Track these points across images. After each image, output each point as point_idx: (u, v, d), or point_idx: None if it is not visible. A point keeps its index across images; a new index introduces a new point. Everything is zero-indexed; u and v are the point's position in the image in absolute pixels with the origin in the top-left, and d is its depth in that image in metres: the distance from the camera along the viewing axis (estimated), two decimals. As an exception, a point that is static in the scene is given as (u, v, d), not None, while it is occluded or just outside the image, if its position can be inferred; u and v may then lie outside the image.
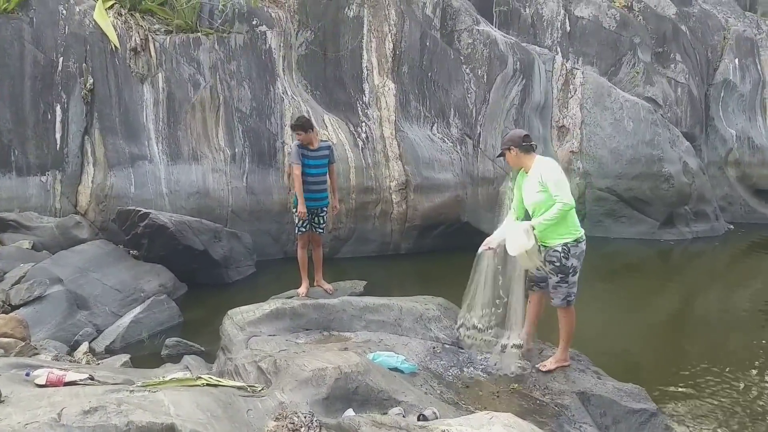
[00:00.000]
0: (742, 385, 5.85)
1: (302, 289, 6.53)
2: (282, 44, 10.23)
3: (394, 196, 10.16)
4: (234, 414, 3.59)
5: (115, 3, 9.73)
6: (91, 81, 9.28)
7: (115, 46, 9.36)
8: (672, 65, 12.87)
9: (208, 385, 4.06)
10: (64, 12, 9.35)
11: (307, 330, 4.98)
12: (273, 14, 10.27)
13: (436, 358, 4.78)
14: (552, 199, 4.41)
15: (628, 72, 12.60)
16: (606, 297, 8.56)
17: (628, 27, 12.68)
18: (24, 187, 9.12)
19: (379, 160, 10.19)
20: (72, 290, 6.97)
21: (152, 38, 9.62)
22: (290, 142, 9.69)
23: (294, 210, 6.57)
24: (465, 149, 10.85)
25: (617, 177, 11.67)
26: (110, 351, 6.24)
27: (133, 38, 9.51)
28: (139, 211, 8.16)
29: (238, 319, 5.06)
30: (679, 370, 6.16)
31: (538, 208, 4.53)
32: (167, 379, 4.23)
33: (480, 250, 4.66)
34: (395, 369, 4.38)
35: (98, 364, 5.62)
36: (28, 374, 4.14)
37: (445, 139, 10.72)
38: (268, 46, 10.12)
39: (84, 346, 6.09)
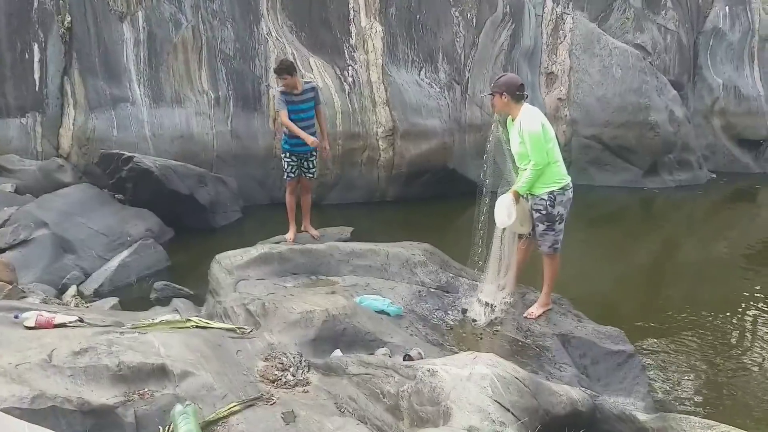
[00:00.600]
0: (718, 329, 6.06)
1: (290, 235, 6.54)
2: (267, -18, 9.93)
3: (380, 143, 10.10)
4: (223, 354, 3.66)
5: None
6: (69, 19, 8.99)
7: (93, -18, 9.03)
8: (662, 12, 12.71)
9: (197, 327, 4.11)
10: (38, -55, 8.97)
11: (294, 274, 5.03)
12: (257, -49, 9.91)
13: (421, 302, 4.88)
14: None
15: (618, 18, 12.44)
16: (589, 243, 8.70)
17: (620, -29, 12.46)
18: (4, 130, 8.97)
19: (366, 105, 10.08)
20: (58, 234, 6.94)
21: (131, -27, 9.30)
22: (275, 85, 9.53)
23: (283, 155, 6.51)
24: (453, 95, 10.75)
25: (603, 125, 11.68)
26: (99, 294, 6.27)
27: (111, -26, 9.18)
28: (123, 154, 8.06)
29: (226, 263, 5.09)
30: (658, 314, 6.35)
31: (520, 159, 4.57)
32: (157, 321, 4.28)
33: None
34: (382, 312, 4.47)
35: (87, 307, 5.65)
36: (17, 317, 4.15)
37: (433, 84, 10.60)
38: (253, -16, 9.83)
39: (72, 289, 6.12)
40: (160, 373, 3.26)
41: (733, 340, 5.90)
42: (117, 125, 9.10)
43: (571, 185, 4.63)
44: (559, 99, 11.76)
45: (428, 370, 3.13)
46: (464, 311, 4.81)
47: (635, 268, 8.06)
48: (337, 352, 3.84)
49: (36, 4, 8.93)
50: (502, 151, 4.82)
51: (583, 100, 11.73)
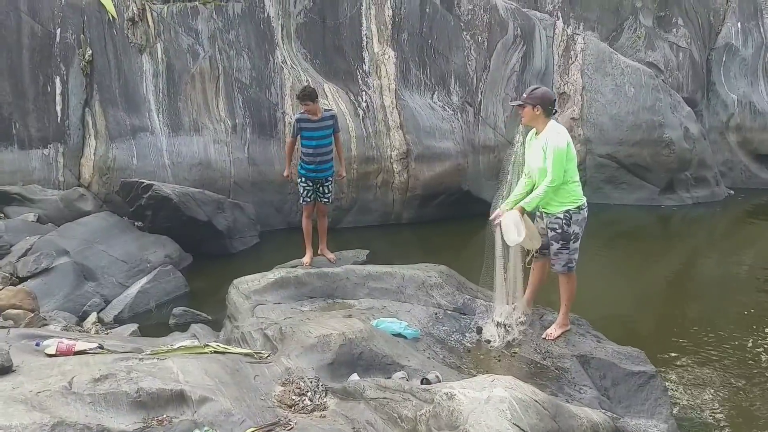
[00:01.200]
0: (740, 347, 5.95)
1: (306, 259, 6.58)
2: (280, 12, 10.12)
3: (395, 166, 10.17)
4: (242, 380, 3.68)
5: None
6: (90, 52, 9.23)
7: (112, 16, 9.29)
8: (674, 29, 12.72)
9: (215, 352, 4.14)
10: (60, -18, 9.26)
11: (311, 298, 5.06)
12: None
13: (438, 324, 4.87)
14: None
15: (629, 37, 12.47)
16: (606, 262, 8.63)
17: (630, -9, 12.52)
18: (27, 160, 9.15)
19: (380, 129, 10.18)
20: (78, 262, 7.05)
21: (149, 8, 9.54)
22: (291, 112, 9.68)
23: (299, 180, 6.60)
24: (466, 117, 10.82)
25: (618, 143, 11.64)
26: (119, 321, 6.35)
27: (131, 8, 9.43)
28: (143, 182, 8.20)
29: (244, 288, 5.15)
30: (678, 334, 6.26)
31: (540, 174, 4.54)
32: (175, 347, 4.31)
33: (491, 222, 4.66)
34: (398, 335, 4.47)
35: (107, 333, 5.73)
36: (38, 344, 4.22)
37: (446, 107, 10.69)
38: (266, 14, 10.03)
39: (93, 317, 6.19)
40: (179, 399, 3.29)
41: (757, 359, 5.80)
42: (137, 154, 9.27)
43: (586, 205, 4.63)
44: (573, 119, 11.76)
45: (446, 394, 3.11)
46: (479, 329, 4.79)
47: (654, 286, 7.96)
48: (354, 376, 3.84)
49: (58, 39, 9.19)
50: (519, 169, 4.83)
51: (597, 119, 11.72)
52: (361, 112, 10.17)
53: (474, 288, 5.46)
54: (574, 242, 4.57)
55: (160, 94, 9.56)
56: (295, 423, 3.31)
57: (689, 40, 12.74)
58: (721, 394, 5.12)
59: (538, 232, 4.66)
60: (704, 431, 4.40)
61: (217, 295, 6.09)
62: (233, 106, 9.83)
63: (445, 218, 10.16)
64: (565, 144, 4.45)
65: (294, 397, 3.54)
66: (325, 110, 6.70)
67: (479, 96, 11.03)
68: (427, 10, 10.68)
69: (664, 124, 11.57)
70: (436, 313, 5.00)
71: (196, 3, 9.73)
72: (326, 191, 6.67)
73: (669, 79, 12.32)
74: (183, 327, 5.92)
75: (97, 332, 5.66)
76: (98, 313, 6.44)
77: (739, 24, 13.48)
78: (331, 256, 6.81)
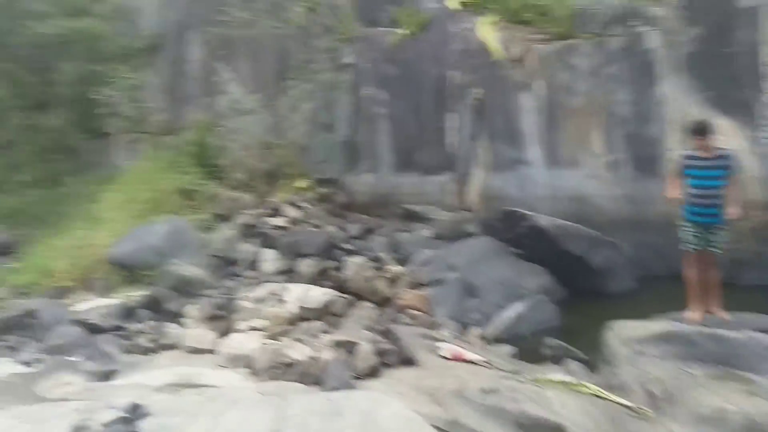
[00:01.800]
0: None
1: (694, 314, 5.83)
2: (665, 44, 9.66)
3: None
4: (620, 431, 3.69)
5: (497, 18, 10.54)
6: (480, 91, 10.32)
7: (498, 58, 10.20)
8: None
9: (596, 395, 4.22)
10: (455, 31, 10.54)
11: (700, 361, 4.57)
12: (655, 13, 9.78)
13: None
14: None
15: None
16: None
17: None
18: (424, 185, 10.72)
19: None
20: (465, 278, 7.80)
21: (532, 48, 10.12)
22: (675, 148, 9.10)
23: (684, 224, 6.17)
24: None
25: None
26: (498, 340, 6.68)
27: (515, 49, 10.17)
28: (522, 212, 8.66)
29: (623, 333, 4.98)
30: None
31: None
32: (555, 380, 4.52)
33: None
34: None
35: (488, 349, 6.22)
36: (435, 346, 4.95)
37: None
38: (648, 47, 9.64)
39: (475, 330, 6.75)
40: (556, 431, 3.43)
41: None
42: (515, 185, 9.97)
43: None
44: None
45: None
46: None
47: None
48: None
49: (452, 80, 10.50)
50: None
51: None
52: (760, 150, 8.98)
53: None
54: None
55: (540, 128, 10.09)
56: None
57: None
58: None
59: None
60: None
61: (589, 334, 5.95)
62: (611, 140, 9.71)
63: None
64: None
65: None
66: (720, 149, 6.11)
67: None
68: None
69: None
70: None
71: (576, 40, 9.95)
72: (716, 239, 6.07)
73: None
74: (555, 359, 5.92)
75: (482, 347, 6.20)
76: (479, 328, 6.95)
77: None
78: (724, 314, 6.10)
